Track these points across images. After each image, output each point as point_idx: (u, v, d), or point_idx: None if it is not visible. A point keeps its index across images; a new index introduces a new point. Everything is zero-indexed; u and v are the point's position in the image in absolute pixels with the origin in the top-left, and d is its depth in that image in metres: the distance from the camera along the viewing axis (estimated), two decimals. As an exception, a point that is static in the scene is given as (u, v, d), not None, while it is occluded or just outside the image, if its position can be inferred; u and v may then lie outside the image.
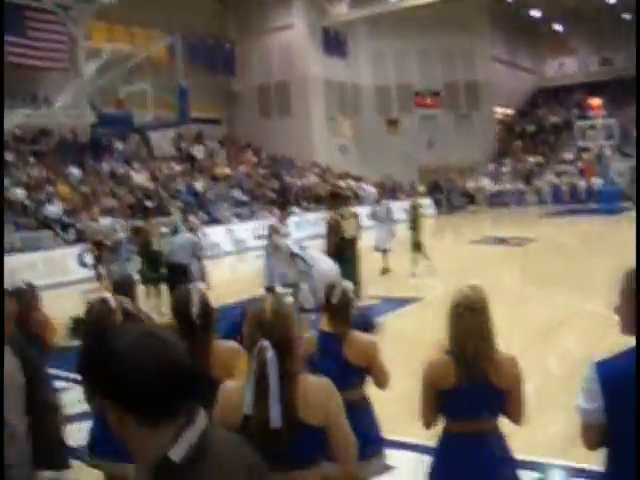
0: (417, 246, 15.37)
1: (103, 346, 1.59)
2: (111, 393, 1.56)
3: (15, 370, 3.20)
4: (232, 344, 3.62)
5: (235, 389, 2.72)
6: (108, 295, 4.59)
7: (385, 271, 15.69)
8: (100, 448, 4.06)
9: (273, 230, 12.56)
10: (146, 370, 1.54)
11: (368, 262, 13.59)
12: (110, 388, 1.56)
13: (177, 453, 1.57)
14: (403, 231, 16.55)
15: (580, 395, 2.63)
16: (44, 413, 3.39)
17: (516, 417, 3.47)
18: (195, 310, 3.53)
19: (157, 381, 1.55)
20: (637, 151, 33.40)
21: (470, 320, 3.33)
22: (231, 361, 3.44)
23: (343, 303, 4.08)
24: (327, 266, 9.44)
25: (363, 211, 16.66)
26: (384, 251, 15.95)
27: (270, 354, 2.59)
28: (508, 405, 3.41)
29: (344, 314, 4.09)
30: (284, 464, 2.57)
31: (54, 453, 3.45)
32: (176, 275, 11.11)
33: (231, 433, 1.79)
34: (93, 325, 4.40)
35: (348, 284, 4.28)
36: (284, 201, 20.24)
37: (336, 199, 12.89)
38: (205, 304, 3.61)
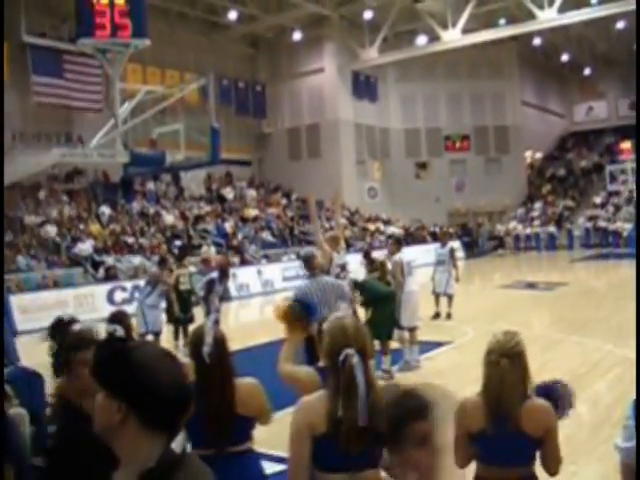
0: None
1: (128, 354, 1.81)
2: (126, 394, 1.76)
3: None
4: (249, 381, 3.67)
5: (316, 399, 2.98)
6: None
7: (437, 316, 15.24)
8: None
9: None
10: (162, 382, 1.76)
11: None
12: (127, 389, 1.76)
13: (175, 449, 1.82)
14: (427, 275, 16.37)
15: (620, 433, 2.57)
16: None
17: (551, 467, 3.37)
18: (206, 350, 3.49)
19: (168, 393, 1.76)
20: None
21: (503, 367, 3.28)
22: (250, 399, 3.58)
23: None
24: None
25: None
26: (448, 296, 15.35)
27: (356, 359, 2.85)
28: (543, 454, 3.33)
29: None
30: (367, 463, 2.86)
31: None
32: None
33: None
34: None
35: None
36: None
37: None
38: (220, 344, 3.57)
